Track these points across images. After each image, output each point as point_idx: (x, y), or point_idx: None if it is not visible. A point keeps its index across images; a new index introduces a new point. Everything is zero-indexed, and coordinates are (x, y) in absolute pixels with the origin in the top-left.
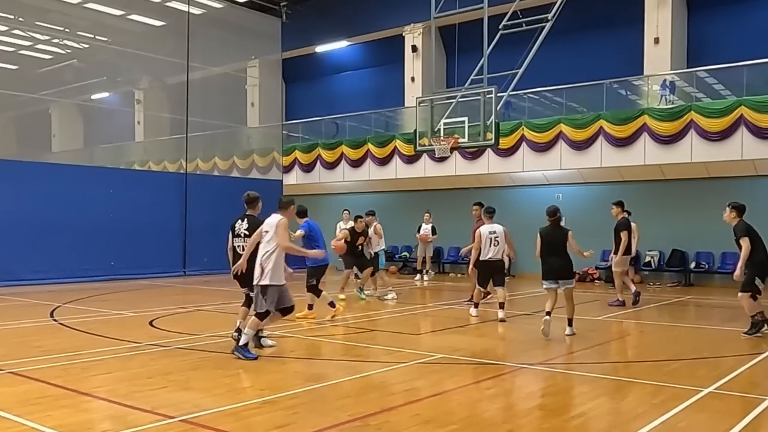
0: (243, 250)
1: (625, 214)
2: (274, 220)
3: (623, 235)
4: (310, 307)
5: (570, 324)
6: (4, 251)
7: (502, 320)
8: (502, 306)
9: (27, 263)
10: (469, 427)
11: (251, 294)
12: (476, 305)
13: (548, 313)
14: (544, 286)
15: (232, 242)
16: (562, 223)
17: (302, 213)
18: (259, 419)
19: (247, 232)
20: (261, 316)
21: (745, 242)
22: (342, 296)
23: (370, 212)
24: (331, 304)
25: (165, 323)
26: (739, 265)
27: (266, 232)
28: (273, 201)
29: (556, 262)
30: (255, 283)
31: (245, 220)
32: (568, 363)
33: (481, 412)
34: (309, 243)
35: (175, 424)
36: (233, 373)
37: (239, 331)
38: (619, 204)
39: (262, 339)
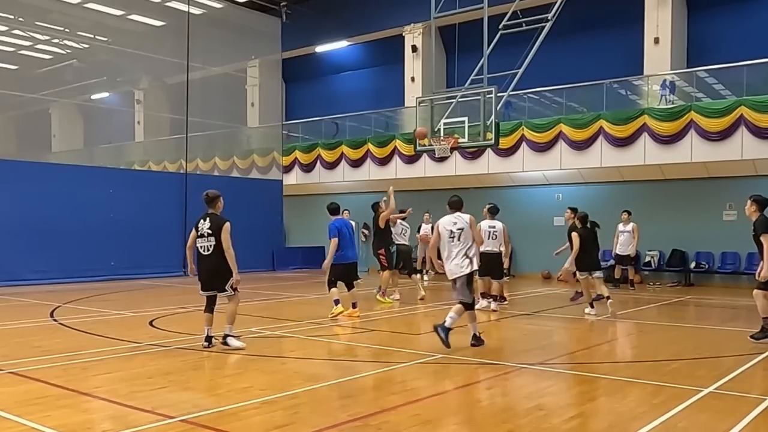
0: (206, 250)
1: (577, 220)
2: (466, 217)
3: (574, 237)
4: (354, 305)
5: (609, 298)
6: (4, 251)
7: (494, 310)
8: (495, 298)
9: (27, 263)
10: (469, 427)
11: (222, 294)
12: (496, 298)
13: (607, 297)
14: (580, 276)
15: (194, 242)
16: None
17: (334, 210)
18: (259, 419)
19: (209, 231)
20: (470, 306)
21: (766, 239)
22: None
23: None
24: (336, 302)
25: (165, 323)
26: (765, 265)
27: (460, 229)
28: (273, 201)
29: (592, 257)
30: (460, 275)
31: (207, 219)
32: (568, 363)
33: (481, 412)
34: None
35: (175, 424)
36: (233, 373)
37: (210, 339)
38: (574, 210)
39: (229, 338)
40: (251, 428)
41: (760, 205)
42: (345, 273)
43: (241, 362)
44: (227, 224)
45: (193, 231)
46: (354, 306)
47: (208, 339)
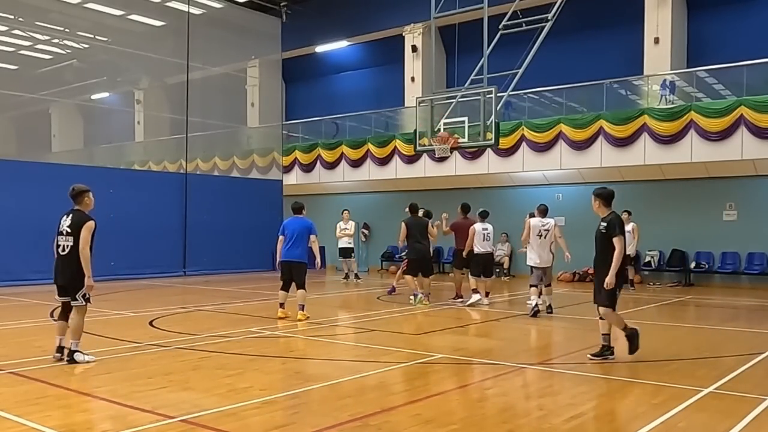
0: (63, 250)
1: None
2: (552, 221)
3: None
4: (301, 307)
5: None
6: (5, 251)
7: (487, 304)
8: (487, 294)
9: (27, 263)
10: (469, 427)
11: (72, 302)
12: (477, 291)
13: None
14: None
15: (57, 240)
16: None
17: (295, 210)
18: (259, 419)
19: (68, 230)
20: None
21: (620, 243)
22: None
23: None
24: (281, 305)
25: (165, 323)
26: (612, 272)
27: (546, 230)
28: (273, 201)
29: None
30: (548, 266)
31: (70, 216)
32: (568, 363)
33: (481, 412)
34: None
35: (175, 424)
36: (233, 373)
37: (61, 349)
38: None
39: (76, 354)
40: (251, 428)
41: (605, 200)
42: (287, 271)
43: (241, 362)
44: (90, 223)
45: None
46: (301, 308)
47: (60, 350)
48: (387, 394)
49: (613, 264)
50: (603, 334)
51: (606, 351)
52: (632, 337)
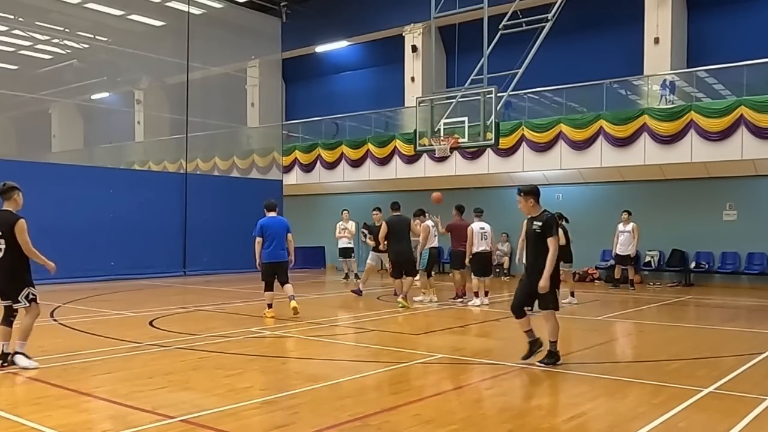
0: None
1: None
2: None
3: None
4: (291, 297)
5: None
6: None
7: (487, 303)
8: (486, 294)
9: None
10: (469, 427)
11: (15, 305)
12: (477, 294)
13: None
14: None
15: None
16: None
17: (268, 207)
18: (259, 419)
19: None
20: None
21: (555, 243)
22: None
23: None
24: (269, 306)
25: (165, 323)
26: (546, 275)
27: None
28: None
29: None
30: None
31: None
32: (568, 363)
33: (481, 412)
34: (263, 242)
35: (175, 424)
36: (233, 373)
37: (5, 356)
38: (378, 209)
39: (18, 357)
40: (251, 428)
41: (536, 197)
42: (272, 272)
43: (241, 362)
44: (21, 222)
45: None
46: (292, 298)
47: (3, 356)
48: (387, 394)
49: (547, 266)
50: (527, 331)
51: (536, 347)
52: (533, 344)
